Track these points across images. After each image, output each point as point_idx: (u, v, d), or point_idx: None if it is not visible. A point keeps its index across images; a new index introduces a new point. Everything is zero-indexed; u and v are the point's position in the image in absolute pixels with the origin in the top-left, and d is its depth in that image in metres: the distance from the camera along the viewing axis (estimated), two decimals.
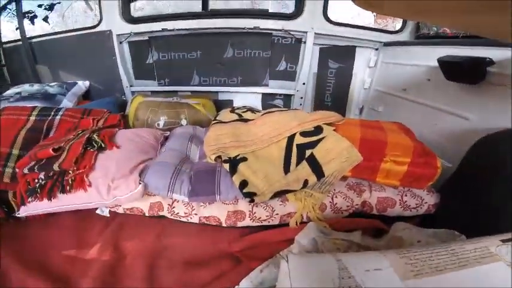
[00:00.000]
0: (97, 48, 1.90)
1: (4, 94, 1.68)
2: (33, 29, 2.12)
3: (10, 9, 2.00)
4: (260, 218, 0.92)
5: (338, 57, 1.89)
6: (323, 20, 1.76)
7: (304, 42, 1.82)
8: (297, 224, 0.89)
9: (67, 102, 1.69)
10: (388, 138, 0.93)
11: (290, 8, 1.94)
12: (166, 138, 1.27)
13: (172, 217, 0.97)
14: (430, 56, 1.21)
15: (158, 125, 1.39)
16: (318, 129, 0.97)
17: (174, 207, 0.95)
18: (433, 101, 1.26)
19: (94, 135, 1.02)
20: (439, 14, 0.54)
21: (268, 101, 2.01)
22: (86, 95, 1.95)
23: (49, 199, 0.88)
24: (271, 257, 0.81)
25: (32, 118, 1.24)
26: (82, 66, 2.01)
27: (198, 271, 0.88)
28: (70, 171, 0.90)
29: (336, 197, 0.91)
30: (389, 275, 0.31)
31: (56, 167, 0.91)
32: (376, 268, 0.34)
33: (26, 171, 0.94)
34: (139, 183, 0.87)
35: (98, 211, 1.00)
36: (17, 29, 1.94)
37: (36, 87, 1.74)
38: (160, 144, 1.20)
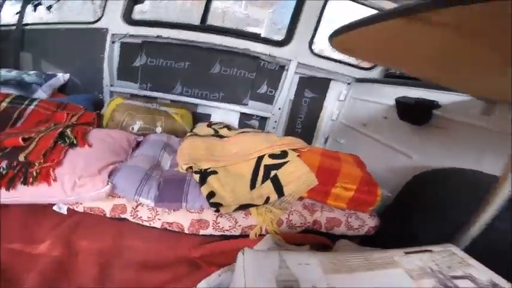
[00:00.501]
0: (87, 43, 1.91)
1: None
2: (33, 16, 2.07)
3: None
4: (223, 227, 0.98)
5: (314, 87, 2.08)
6: (307, 51, 1.94)
7: (287, 70, 1.99)
8: (256, 236, 0.97)
9: (41, 93, 1.66)
10: (341, 168, 1.07)
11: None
12: (138, 144, 1.30)
13: (134, 220, 0.99)
14: (391, 94, 1.36)
15: (132, 129, 1.42)
16: (284, 154, 1.09)
17: (137, 211, 0.98)
18: (386, 138, 1.43)
19: (67, 131, 1.03)
20: (399, 62, 0.69)
21: (245, 120, 2.11)
22: (62, 89, 1.91)
23: (7, 189, 0.86)
24: (229, 264, 0.87)
25: (4, 104, 1.21)
26: (67, 59, 1.99)
27: (154, 273, 0.91)
28: (36, 164, 0.90)
29: (292, 214, 1.01)
30: (315, 269, 0.41)
31: (21, 157, 0.91)
32: (306, 263, 0.43)
33: None
34: (107, 184, 0.90)
35: (55, 207, 0.99)
36: (16, 13, 1.89)
37: (13, 73, 1.69)
38: (131, 149, 1.23)
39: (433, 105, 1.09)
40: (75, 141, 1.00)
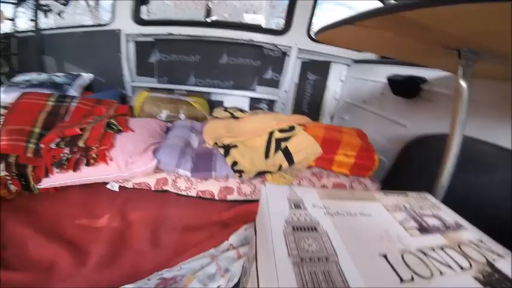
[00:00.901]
0: (104, 44, 2.11)
1: (14, 81, 1.83)
2: (46, 22, 2.27)
3: (28, 2, 2.15)
4: (245, 193, 1.20)
5: (315, 70, 2.24)
6: (306, 38, 2.10)
7: (289, 56, 2.14)
8: None
9: (73, 92, 1.87)
10: (342, 138, 1.26)
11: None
12: (168, 129, 1.52)
13: (174, 191, 1.22)
14: (385, 73, 1.52)
15: (160, 117, 1.63)
16: (292, 128, 1.28)
17: (176, 183, 1.21)
18: (383, 111, 1.61)
19: (112, 120, 1.25)
20: (369, 48, 0.87)
21: (254, 104, 2.31)
22: (88, 87, 2.12)
23: (74, 170, 1.09)
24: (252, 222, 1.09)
25: (50, 103, 1.43)
26: (87, 60, 2.20)
27: (193, 234, 1.11)
28: (93, 148, 1.13)
29: (302, 180, 1.22)
30: (314, 195, 0.60)
31: (80, 143, 1.14)
32: (309, 192, 0.62)
33: (53, 146, 1.15)
34: (154, 159, 1.12)
35: (108, 186, 1.22)
36: (30, 20, 2.08)
37: (44, 76, 1.91)
38: (164, 133, 1.45)
39: (420, 80, 1.26)
40: (120, 128, 1.22)
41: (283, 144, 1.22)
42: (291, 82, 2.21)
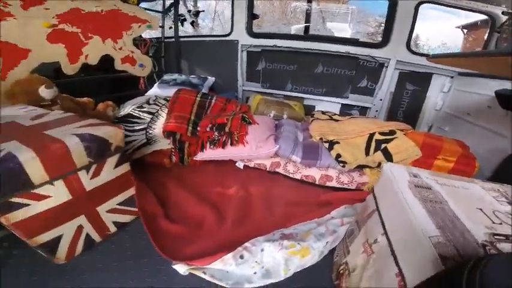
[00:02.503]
0: (224, 52, 2.72)
1: (164, 79, 2.62)
2: (182, 30, 3.01)
3: (170, 13, 2.87)
4: (343, 181, 1.50)
5: (415, 81, 2.33)
6: (405, 50, 2.23)
7: (386, 67, 2.32)
8: (368, 189, 1.44)
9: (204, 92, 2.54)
10: (443, 144, 1.41)
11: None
12: (276, 125, 1.95)
13: (283, 173, 1.62)
14: (492, 87, 1.57)
15: (269, 115, 2.09)
16: (392, 132, 1.50)
17: (287, 166, 1.60)
18: (489, 124, 1.64)
19: (245, 115, 1.74)
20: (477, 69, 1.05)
21: (345, 110, 2.56)
22: (211, 88, 2.80)
23: (223, 147, 1.60)
24: None
25: (198, 99, 2.04)
26: (210, 65, 2.87)
27: (295, 208, 1.42)
28: (235, 133, 1.63)
29: None
30: (426, 173, 0.86)
31: (226, 129, 1.65)
32: (421, 170, 0.87)
33: (208, 129, 1.71)
34: (276, 145, 1.54)
35: (236, 164, 1.71)
36: (170, 28, 2.85)
37: (183, 77, 2.64)
38: (274, 127, 1.88)
39: None
40: (250, 121, 1.70)
41: (383, 146, 1.46)
42: (386, 91, 2.38)
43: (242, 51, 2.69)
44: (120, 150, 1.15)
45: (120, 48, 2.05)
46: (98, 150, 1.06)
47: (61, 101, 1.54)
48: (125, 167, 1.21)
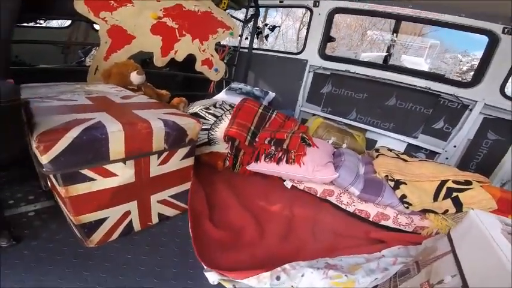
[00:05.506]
0: (290, 70, 2.90)
1: (232, 86, 2.90)
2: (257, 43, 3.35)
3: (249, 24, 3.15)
4: (400, 223, 1.51)
5: (500, 130, 2.20)
6: (497, 94, 2.13)
7: (471, 110, 2.23)
8: (426, 234, 1.42)
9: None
10: None
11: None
12: (334, 153, 2.00)
13: (335, 202, 1.67)
14: None
15: (328, 141, 2.16)
16: (468, 182, 1.47)
17: (341, 196, 1.65)
18: None
19: (304, 135, 1.85)
20: None
21: (411, 151, 2.50)
22: (269, 103, 3.00)
23: (277, 163, 1.72)
24: None
25: (260, 110, 2.22)
26: (273, 80, 3.08)
27: (343, 239, 1.43)
28: (292, 152, 1.74)
29: None
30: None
31: (284, 145, 1.78)
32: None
33: (266, 142, 1.85)
34: (336, 173, 1.61)
35: (284, 183, 1.81)
36: (245, 39, 3.15)
37: (248, 87, 2.90)
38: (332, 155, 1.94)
39: None
40: (310, 143, 1.80)
41: (454, 194, 1.44)
42: (464, 138, 2.28)
43: (309, 71, 2.86)
44: (192, 143, 1.30)
45: (204, 50, 2.35)
46: (175, 138, 1.18)
47: (144, 88, 1.85)
48: (190, 161, 1.33)
